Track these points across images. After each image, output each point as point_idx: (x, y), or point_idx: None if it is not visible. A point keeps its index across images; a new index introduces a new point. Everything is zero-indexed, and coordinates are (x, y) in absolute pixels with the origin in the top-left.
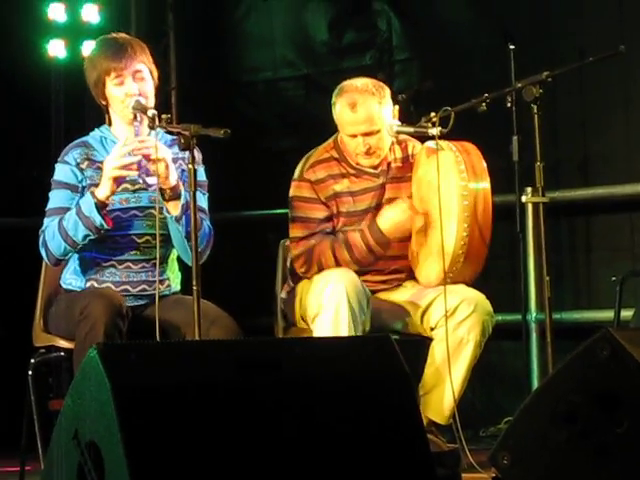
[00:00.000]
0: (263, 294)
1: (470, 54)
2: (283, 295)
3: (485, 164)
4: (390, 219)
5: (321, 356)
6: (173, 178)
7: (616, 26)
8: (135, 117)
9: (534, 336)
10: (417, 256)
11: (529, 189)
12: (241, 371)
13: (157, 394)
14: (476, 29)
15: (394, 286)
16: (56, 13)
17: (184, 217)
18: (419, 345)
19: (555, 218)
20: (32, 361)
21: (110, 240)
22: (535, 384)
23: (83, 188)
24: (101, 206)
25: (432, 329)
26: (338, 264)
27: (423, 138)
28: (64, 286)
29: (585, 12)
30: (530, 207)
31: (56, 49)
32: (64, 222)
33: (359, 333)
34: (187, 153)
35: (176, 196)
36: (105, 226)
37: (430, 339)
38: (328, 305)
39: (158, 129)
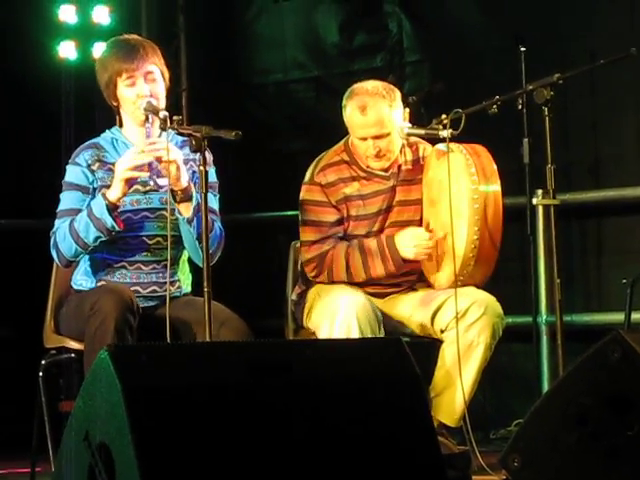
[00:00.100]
0: (273, 296)
1: (481, 56)
2: (294, 297)
3: (495, 166)
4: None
5: (331, 358)
6: (184, 179)
7: (627, 28)
8: (147, 119)
9: (545, 338)
10: (428, 259)
11: (540, 191)
12: (251, 373)
13: (168, 395)
14: (487, 31)
15: (405, 288)
16: (67, 15)
17: (195, 219)
18: (429, 347)
19: (566, 220)
20: (43, 362)
21: (121, 241)
22: (545, 386)
23: (94, 189)
24: (112, 208)
25: (442, 331)
26: (349, 274)
27: (434, 140)
28: (75, 287)
29: (596, 14)
30: (541, 209)
31: (67, 51)
32: (75, 224)
33: None
34: (198, 154)
35: (187, 198)
36: (116, 228)
37: (440, 341)
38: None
39: (169, 130)
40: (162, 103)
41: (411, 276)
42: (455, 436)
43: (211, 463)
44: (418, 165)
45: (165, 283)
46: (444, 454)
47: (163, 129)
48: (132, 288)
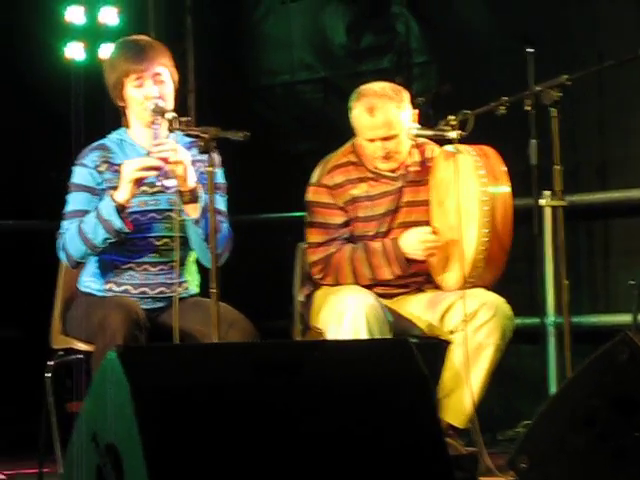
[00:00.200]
0: (281, 297)
1: (489, 57)
2: (301, 298)
3: (505, 168)
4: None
5: (339, 359)
6: (192, 180)
7: (635, 30)
8: (154, 120)
9: (552, 340)
10: (436, 261)
11: (547, 193)
12: (259, 374)
13: (176, 396)
14: (495, 32)
15: (413, 289)
16: (74, 16)
17: (203, 220)
18: (437, 348)
19: (573, 222)
20: (50, 363)
21: (129, 243)
22: (553, 388)
23: (102, 191)
24: (120, 209)
25: (451, 332)
26: (355, 276)
27: (442, 141)
28: (82, 289)
29: (604, 16)
30: (548, 211)
31: (75, 52)
32: (83, 225)
33: None
34: (205, 156)
35: (195, 199)
36: (125, 229)
37: (448, 342)
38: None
39: (177, 131)
40: (170, 104)
41: (419, 277)
42: (463, 437)
43: (219, 464)
44: (425, 166)
45: (173, 284)
46: (452, 455)
47: (171, 130)
48: (140, 289)
